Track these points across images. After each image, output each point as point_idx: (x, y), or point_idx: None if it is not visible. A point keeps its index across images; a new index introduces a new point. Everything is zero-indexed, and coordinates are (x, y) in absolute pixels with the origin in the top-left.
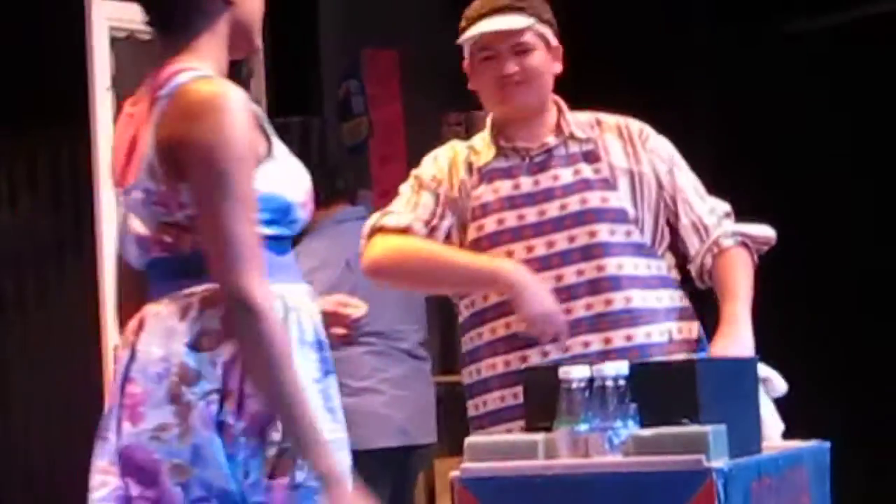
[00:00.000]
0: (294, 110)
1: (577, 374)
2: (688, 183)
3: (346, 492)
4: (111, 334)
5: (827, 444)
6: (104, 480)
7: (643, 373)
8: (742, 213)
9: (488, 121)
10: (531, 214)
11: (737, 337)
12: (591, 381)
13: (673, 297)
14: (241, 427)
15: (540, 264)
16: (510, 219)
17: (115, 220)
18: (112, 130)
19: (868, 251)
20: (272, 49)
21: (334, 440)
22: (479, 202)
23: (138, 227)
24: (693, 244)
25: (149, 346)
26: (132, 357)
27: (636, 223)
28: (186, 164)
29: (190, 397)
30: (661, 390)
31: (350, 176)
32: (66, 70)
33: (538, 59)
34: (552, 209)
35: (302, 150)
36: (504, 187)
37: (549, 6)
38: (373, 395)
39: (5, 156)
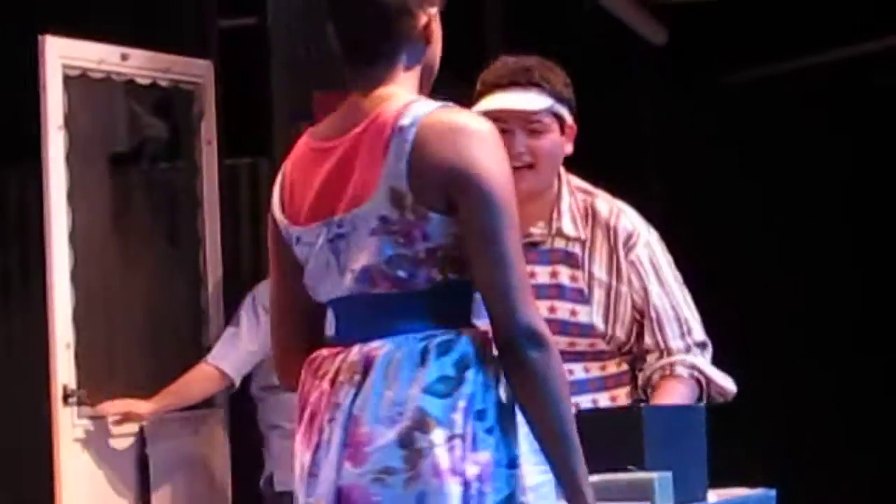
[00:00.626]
0: (244, 152)
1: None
2: (663, 302)
3: None
4: (61, 374)
5: (773, 492)
6: None
7: (590, 420)
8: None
9: None
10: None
11: None
12: None
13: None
14: (474, 473)
15: None
16: None
17: (66, 260)
18: (63, 169)
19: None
20: (223, 90)
21: (545, 482)
22: None
23: (358, 258)
24: (650, 360)
25: (381, 388)
26: (356, 397)
27: (603, 337)
28: (460, 183)
29: (423, 444)
30: (608, 437)
31: None
32: (18, 107)
33: (550, 142)
34: None
35: (252, 192)
36: None
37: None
38: None
39: None
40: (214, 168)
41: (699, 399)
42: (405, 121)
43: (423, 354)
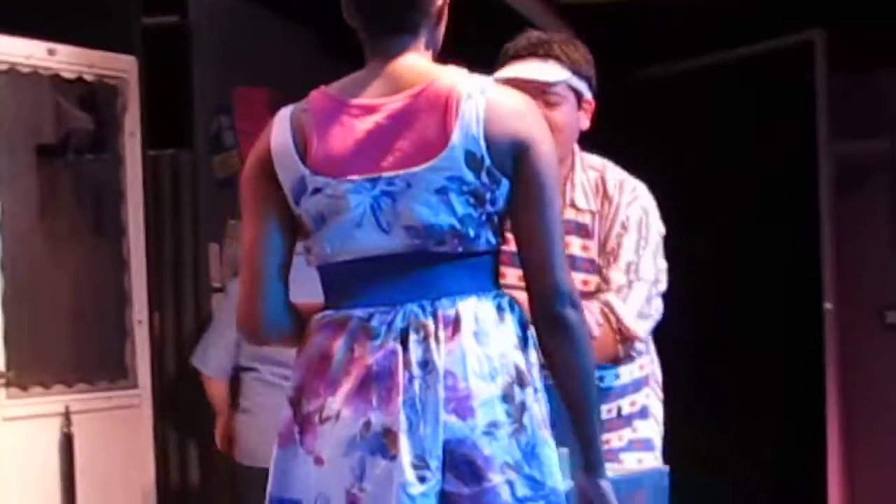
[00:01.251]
0: (166, 143)
1: None
2: (629, 244)
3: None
4: None
5: (666, 468)
6: (422, 476)
7: None
8: None
9: None
10: (511, 276)
11: None
12: None
13: None
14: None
15: None
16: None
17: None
18: None
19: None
20: (146, 85)
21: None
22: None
23: (414, 216)
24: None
25: (474, 345)
26: (447, 354)
27: None
28: (524, 152)
29: (523, 398)
30: None
31: None
32: None
33: (563, 113)
34: None
35: (173, 182)
36: None
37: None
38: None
39: None
40: (138, 159)
41: (616, 344)
42: (471, 89)
43: (500, 313)
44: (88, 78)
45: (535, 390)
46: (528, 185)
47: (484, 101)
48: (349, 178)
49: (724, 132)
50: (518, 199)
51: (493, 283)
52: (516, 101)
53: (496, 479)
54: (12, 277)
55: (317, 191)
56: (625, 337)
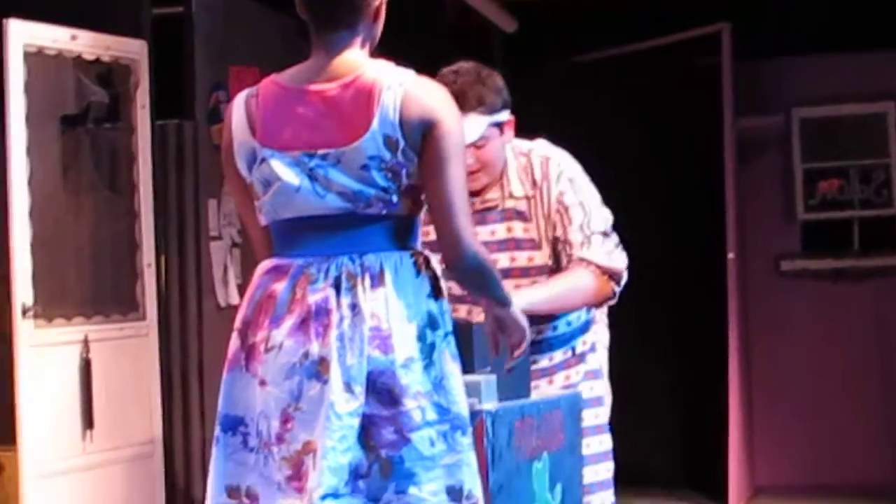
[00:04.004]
0: (171, 115)
1: None
2: (576, 217)
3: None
4: (21, 294)
5: (578, 394)
6: (348, 399)
7: None
8: None
9: None
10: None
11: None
12: None
13: None
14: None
15: (470, 300)
16: None
17: (25, 202)
18: (23, 127)
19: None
20: (155, 65)
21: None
22: (426, 239)
23: (345, 184)
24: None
25: (395, 293)
26: (374, 297)
27: (555, 272)
28: (431, 127)
29: (434, 339)
30: None
31: None
32: None
33: (490, 148)
34: None
35: (178, 147)
36: None
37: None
38: None
39: None
40: (147, 128)
41: (608, 283)
42: (391, 81)
43: (416, 268)
44: (105, 59)
45: (445, 333)
46: (433, 156)
47: (402, 91)
48: (289, 151)
49: (645, 110)
50: (425, 169)
51: (413, 243)
52: (428, 89)
53: (410, 404)
54: (40, 227)
55: (263, 160)
56: (611, 275)
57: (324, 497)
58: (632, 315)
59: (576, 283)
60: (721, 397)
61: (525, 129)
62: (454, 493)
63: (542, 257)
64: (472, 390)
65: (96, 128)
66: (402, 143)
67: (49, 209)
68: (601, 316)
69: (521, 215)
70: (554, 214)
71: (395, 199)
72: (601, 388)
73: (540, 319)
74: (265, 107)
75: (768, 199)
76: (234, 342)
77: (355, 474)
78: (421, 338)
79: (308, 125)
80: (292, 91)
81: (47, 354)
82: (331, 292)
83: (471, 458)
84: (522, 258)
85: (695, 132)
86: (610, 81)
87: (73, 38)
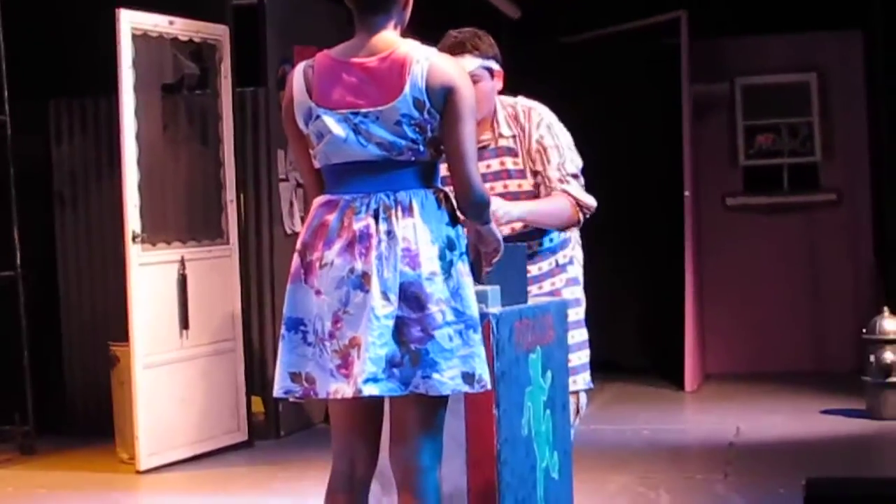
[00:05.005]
0: (249, 83)
1: None
2: (554, 157)
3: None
4: (131, 223)
5: (565, 301)
6: (384, 305)
7: None
8: None
9: None
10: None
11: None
12: None
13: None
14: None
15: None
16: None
17: (133, 153)
18: (131, 94)
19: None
20: (235, 43)
21: None
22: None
23: (383, 136)
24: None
25: (422, 222)
26: (404, 228)
27: (539, 196)
28: (450, 92)
29: (451, 257)
30: None
31: None
32: (104, 56)
33: (482, 87)
34: None
35: (253, 110)
36: None
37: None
38: None
39: (63, 111)
40: (229, 94)
41: (578, 213)
42: (419, 56)
43: (438, 202)
44: (196, 40)
45: (461, 253)
46: (452, 115)
47: (428, 64)
48: (338, 110)
49: (619, 81)
50: (445, 125)
51: (435, 182)
52: (448, 63)
53: (433, 308)
54: (147, 171)
55: (318, 117)
56: (582, 206)
57: (366, 381)
58: (607, 239)
59: (557, 206)
60: (679, 303)
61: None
62: (468, 377)
63: (528, 185)
64: (481, 297)
65: (189, 94)
66: (427, 104)
67: (152, 158)
68: (576, 237)
69: (510, 151)
70: (534, 153)
71: (421, 148)
72: (579, 293)
73: (531, 237)
74: (319, 75)
75: (716, 149)
76: (295, 260)
77: (391, 364)
78: (441, 257)
79: (353, 90)
80: (340, 63)
81: (152, 271)
82: (371, 221)
83: (481, 350)
84: (513, 185)
85: (658, 96)
86: (591, 57)
87: (171, 23)
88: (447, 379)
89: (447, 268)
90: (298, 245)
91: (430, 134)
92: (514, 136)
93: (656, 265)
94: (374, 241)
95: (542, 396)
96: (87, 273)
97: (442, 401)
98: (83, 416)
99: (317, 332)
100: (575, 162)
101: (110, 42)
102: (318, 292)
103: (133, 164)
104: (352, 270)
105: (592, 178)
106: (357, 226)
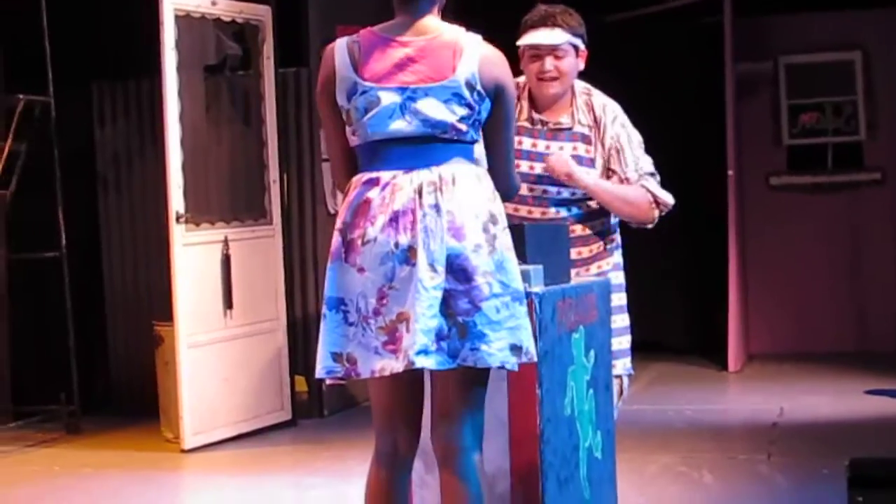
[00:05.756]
0: (291, 63)
1: None
2: (629, 156)
3: None
4: (175, 204)
5: (608, 280)
6: (432, 276)
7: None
8: None
9: (528, 88)
10: (538, 167)
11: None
12: None
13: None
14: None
15: (534, 201)
16: (524, 166)
17: (177, 133)
18: (175, 74)
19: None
20: (277, 25)
21: None
22: None
23: (429, 113)
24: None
25: (464, 195)
26: (448, 201)
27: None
28: (500, 92)
29: (495, 231)
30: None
31: None
32: (148, 36)
33: (568, 63)
34: None
35: (296, 90)
36: (526, 143)
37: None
38: None
39: (106, 93)
40: (272, 74)
41: (654, 208)
42: (470, 41)
43: (478, 179)
44: (239, 20)
45: (504, 227)
46: (499, 115)
47: (480, 54)
48: (386, 86)
49: (662, 59)
50: (491, 123)
51: (472, 161)
52: (499, 59)
53: (479, 280)
54: (191, 151)
55: (364, 92)
56: (659, 204)
57: (417, 353)
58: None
59: (631, 193)
60: (722, 284)
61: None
62: (515, 349)
63: (595, 174)
64: (524, 277)
65: (232, 75)
66: (477, 87)
67: (196, 138)
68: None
69: (585, 138)
70: (610, 149)
71: (465, 128)
72: (622, 278)
73: (593, 217)
74: (366, 50)
75: (760, 128)
76: (336, 240)
77: (438, 336)
78: (485, 230)
79: (403, 66)
80: (388, 40)
81: (196, 251)
82: (415, 196)
83: (527, 323)
84: (581, 171)
85: (701, 75)
86: (635, 36)
87: (213, 3)
88: (495, 350)
89: (491, 241)
90: (339, 224)
91: (476, 116)
92: (589, 126)
93: (699, 245)
94: (420, 215)
95: (586, 376)
96: (131, 254)
97: (484, 380)
98: (128, 395)
99: (360, 311)
100: (648, 161)
101: (153, 24)
102: (360, 270)
103: (176, 145)
104: (396, 245)
105: None
106: (400, 201)
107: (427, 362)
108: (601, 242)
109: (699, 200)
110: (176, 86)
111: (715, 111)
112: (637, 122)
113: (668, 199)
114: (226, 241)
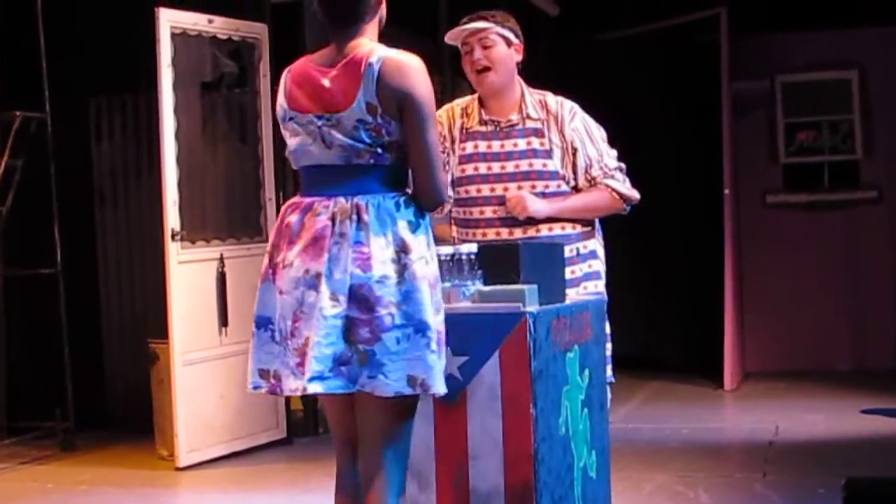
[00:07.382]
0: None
1: (444, 251)
2: (591, 150)
3: None
4: (170, 221)
5: (605, 298)
6: (333, 305)
7: (486, 250)
8: None
9: (476, 96)
10: (496, 167)
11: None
12: (453, 255)
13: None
14: (434, 276)
15: (497, 201)
16: (482, 168)
17: (173, 150)
18: (171, 92)
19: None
20: (274, 43)
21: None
22: (464, 153)
23: (343, 140)
24: (581, 184)
25: (377, 225)
26: (359, 230)
27: (563, 178)
28: (406, 100)
29: (406, 261)
30: (498, 261)
31: None
32: (144, 53)
33: (499, 52)
34: (510, 166)
35: None
36: (481, 145)
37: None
38: None
39: (103, 109)
40: (268, 92)
41: (621, 202)
42: (373, 59)
43: (397, 206)
44: (235, 38)
45: (420, 256)
46: (410, 123)
47: (379, 65)
48: (307, 114)
49: (656, 77)
50: (406, 133)
51: (396, 187)
52: (401, 64)
53: (382, 311)
54: (187, 169)
55: (290, 119)
56: (625, 199)
57: (310, 380)
58: (647, 237)
59: (597, 202)
60: (718, 302)
61: (559, 92)
62: (412, 380)
63: (553, 165)
64: (518, 296)
65: (228, 92)
66: (379, 109)
67: (192, 156)
68: (599, 235)
69: (537, 132)
70: (572, 142)
71: (380, 151)
72: (601, 287)
73: (577, 238)
74: (293, 79)
75: (756, 147)
76: (265, 261)
77: (339, 362)
78: (395, 260)
79: (315, 96)
80: (314, 68)
81: (191, 269)
82: (328, 223)
83: (429, 355)
84: (538, 164)
85: (697, 94)
86: (625, 55)
87: (210, 21)
88: (392, 381)
89: (401, 271)
90: (268, 246)
91: (387, 138)
92: (542, 120)
93: (696, 263)
94: (328, 243)
95: (580, 395)
96: (127, 270)
97: (404, 406)
98: (123, 412)
99: (281, 331)
100: (612, 155)
101: (150, 40)
102: (280, 292)
103: (172, 161)
104: (307, 271)
105: (631, 176)
106: (315, 228)
107: (318, 388)
108: (573, 246)
109: (695, 218)
110: (172, 103)
111: (711, 129)
112: (633, 140)
113: (633, 194)
114: (221, 259)
